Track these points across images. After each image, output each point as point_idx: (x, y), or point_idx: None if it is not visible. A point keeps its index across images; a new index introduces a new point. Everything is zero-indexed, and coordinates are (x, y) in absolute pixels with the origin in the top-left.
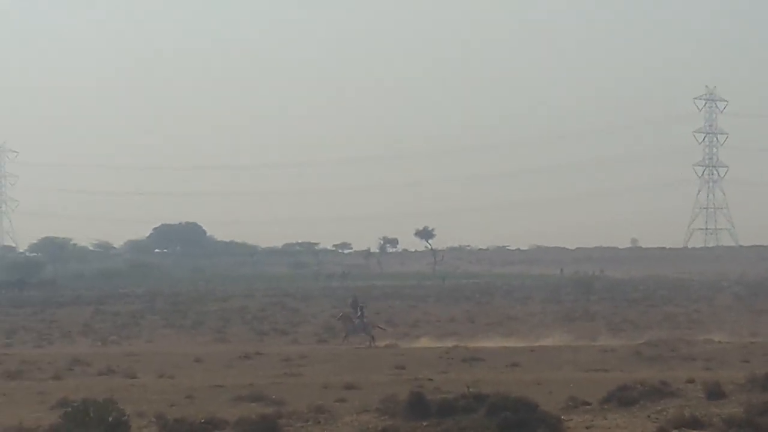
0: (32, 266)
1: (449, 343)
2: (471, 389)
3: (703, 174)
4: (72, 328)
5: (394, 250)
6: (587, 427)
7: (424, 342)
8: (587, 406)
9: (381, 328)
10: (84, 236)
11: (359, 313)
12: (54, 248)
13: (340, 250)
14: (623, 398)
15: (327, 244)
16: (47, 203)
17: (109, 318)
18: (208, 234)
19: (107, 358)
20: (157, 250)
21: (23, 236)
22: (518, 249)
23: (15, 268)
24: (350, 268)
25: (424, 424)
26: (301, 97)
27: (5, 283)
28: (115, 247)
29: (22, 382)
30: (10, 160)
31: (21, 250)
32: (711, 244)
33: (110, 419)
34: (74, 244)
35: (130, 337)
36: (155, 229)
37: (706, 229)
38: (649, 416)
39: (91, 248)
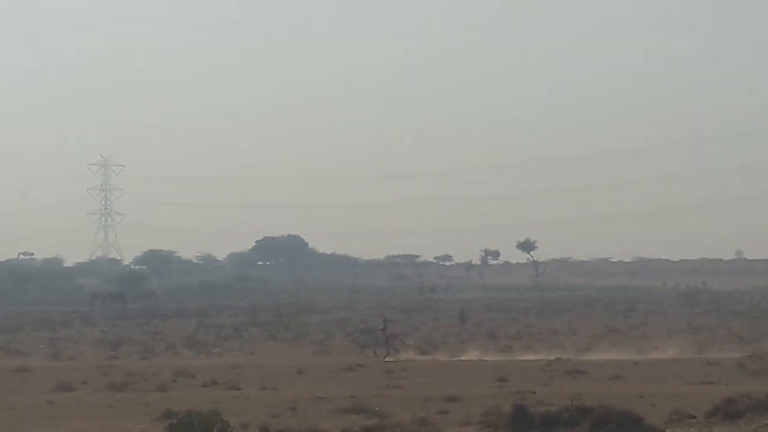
0: (136, 279)
1: (551, 356)
2: (574, 402)
3: None
4: (176, 340)
5: (496, 262)
6: None
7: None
8: (692, 420)
9: (403, 342)
10: (187, 249)
11: (383, 326)
12: (158, 261)
13: (441, 263)
14: (729, 411)
15: (428, 256)
16: (152, 216)
17: (213, 330)
18: (309, 246)
19: (211, 370)
20: (259, 263)
21: (128, 249)
22: (620, 261)
23: (120, 280)
24: (451, 281)
25: None
26: (403, 110)
27: (107, 295)
28: (218, 260)
29: (128, 393)
30: (115, 173)
31: (126, 263)
32: None
33: (215, 430)
34: (178, 257)
35: (233, 349)
36: (258, 241)
37: None
38: (756, 430)
39: (194, 261)
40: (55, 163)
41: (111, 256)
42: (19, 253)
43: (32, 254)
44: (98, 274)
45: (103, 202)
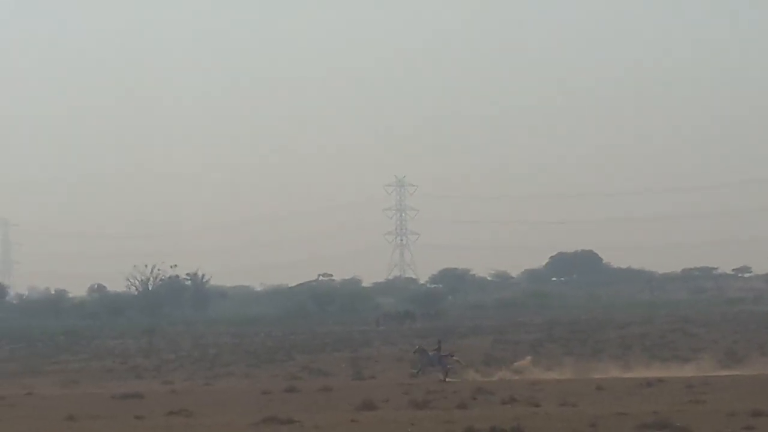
0: (432, 297)
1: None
2: None
3: None
4: (474, 357)
5: None
6: None
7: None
8: None
9: (457, 361)
10: (481, 266)
11: (436, 347)
12: (453, 279)
13: (739, 275)
14: None
15: (726, 268)
16: (446, 235)
17: (510, 347)
18: (604, 261)
19: (510, 387)
20: (554, 279)
21: (423, 268)
22: None
23: (415, 299)
24: (748, 293)
25: None
26: (687, 121)
27: (395, 315)
28: (512, 277)
29: (429, 411)
30: (410, 194)
31: (422, 282)
32: None
33: None
34: (472, 275)
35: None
36: (552, 257)
37: None
38: None
39: (489, 278)
40: (353, 186)
41: (407, 276)
42: (319, 275)
43: (331, 275)
44: (395, 294)
45: (398, 222)
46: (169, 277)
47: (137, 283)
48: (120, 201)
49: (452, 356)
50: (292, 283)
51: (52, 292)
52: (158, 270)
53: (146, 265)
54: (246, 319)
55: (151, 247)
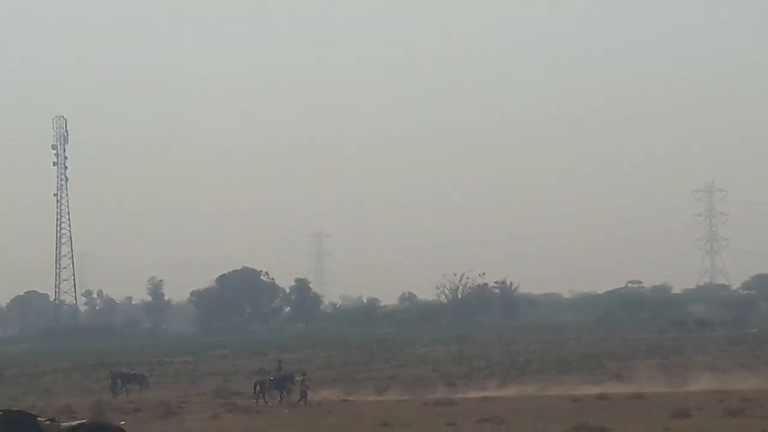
0: (745, 304)
1: None
2: None
3: None
4: None
5: None
6: None
7: None
8: None
9: (304, 383)
10: None
11: (277, 367)
12: (767, 285)
13: None
14: None
15: None
16: (757, 241)
17: None
18: None
19: None
20: None
21: (735, 274)
22: None
23: (728, 306)
24: None
25: None
26: None
27: (706, 322)
28: None
29: (744, 420)
30: (720, 198)
31: (734, 288)
32: None
33: None
34: None
35: None
36: None
37: None
38: None
39: None
40: (661, 192)
41: (718, 282)
42: (628, 282)
43: (641, 282)
44: (706, 300)
45: (708, 228)
46: (478, 285)
47: (447, 291)
48: (429, 212)
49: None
50: (601, 290)
51: (365, 301)
52: (467, 278)
53: (455, 274)
54: (555, 326)
55: (460, 256)
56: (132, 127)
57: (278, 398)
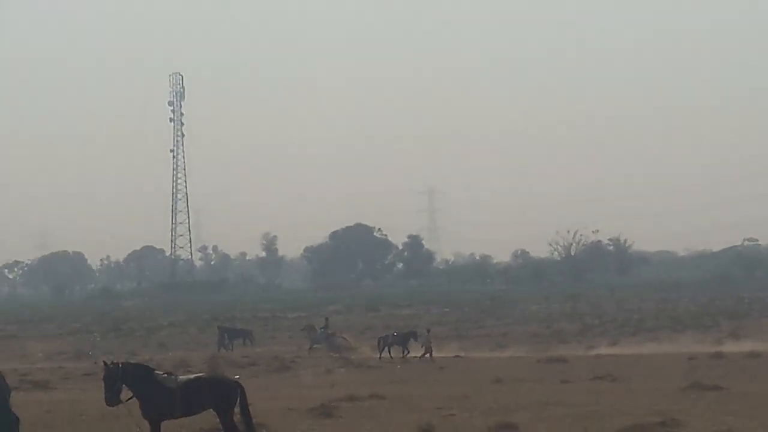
0: None
1: None
2: None
3: None
4: None
5: None
6: None
7: None
8: None
9: (344, 338)
10: None
11: (323, 325)
12: None
13: None
14: None
15: None
16: None
17: None
18: None
19: None
20: None
21: None
22: None
23: None
24: None
25: None
26: None
27: None
28: None
29: None
30: None
31: None
32: None
33: None
34: None
35: None
36: None
37: None
38: None
39: None
40: None
41: None
42: (744, 240)
43: (757, 240)
44: None
45: None
46: (592, 243)
47: (560, 248)
48: (543, 167)
49: (341, 335)
50: (716, 248)
51: (477, 258)
52: (581, 235)
53: (569, 231)
54: (669, 284)
55: (574, 213)
56: (249, 83)
57: (402, 354)
